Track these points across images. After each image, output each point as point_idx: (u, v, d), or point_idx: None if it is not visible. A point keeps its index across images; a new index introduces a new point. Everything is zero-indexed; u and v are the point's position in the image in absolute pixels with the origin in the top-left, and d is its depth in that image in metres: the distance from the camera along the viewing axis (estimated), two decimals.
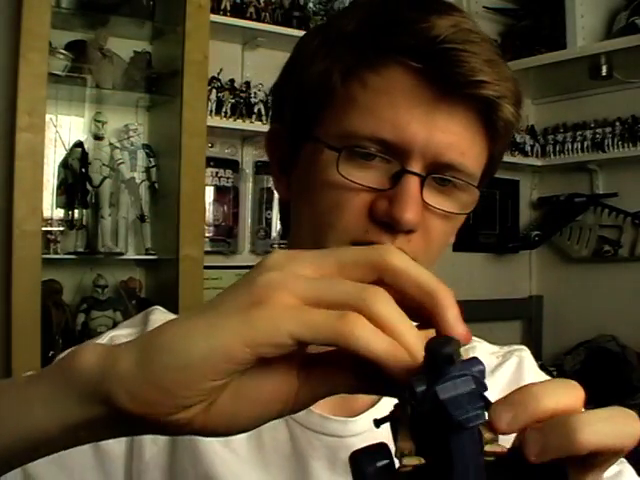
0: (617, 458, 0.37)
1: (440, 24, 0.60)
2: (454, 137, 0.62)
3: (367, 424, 0.65)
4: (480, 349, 0.77)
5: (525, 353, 0.79)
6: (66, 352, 0.42)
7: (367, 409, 0.68)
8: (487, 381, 0.34)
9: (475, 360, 0.34)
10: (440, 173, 0.63)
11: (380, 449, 0.35)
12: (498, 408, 0.34)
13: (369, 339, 0.34)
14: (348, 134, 0.62)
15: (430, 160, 0.62)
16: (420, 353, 0.34)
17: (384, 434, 0.36)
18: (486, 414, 0.33)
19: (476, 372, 0.34)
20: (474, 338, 0.75)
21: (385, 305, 0.35)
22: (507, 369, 0.76)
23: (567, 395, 0.36)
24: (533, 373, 0.76)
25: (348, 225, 0.62)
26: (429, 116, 0.61)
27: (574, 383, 0.37)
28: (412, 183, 0.61)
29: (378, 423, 0.36)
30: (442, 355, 0.32)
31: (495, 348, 0.79)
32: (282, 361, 0.36)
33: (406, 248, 0.61)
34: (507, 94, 0.62)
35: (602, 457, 0.36)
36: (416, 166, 0.61)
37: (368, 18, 0.64)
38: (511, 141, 3.02)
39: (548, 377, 0.78)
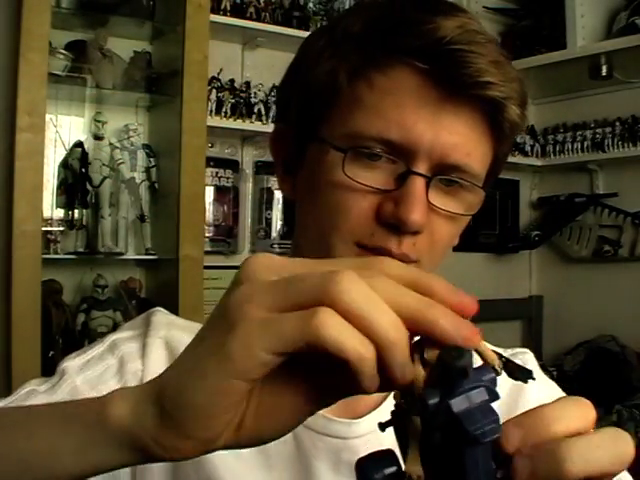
0: None
1: (446, 25, 0.60)
2: (460, 138, 0.62)
3: (371, 426, 0.65)
4: None
5: (528, 356, 0.79)
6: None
7: (371, 411, 0.68)
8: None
9: (485, 369, 0.34)
10: (446, 174, 0.63)
11: (387, 455, 0.34)
12: (508, 430, 0.34)
13: (337, 338, 0.33)
14: (354, 134, 0.61)
15: (436, 161, 0.61)
16: (395, 345, 0.33)
17: (388, 437, 0.36)
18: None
19: (488, 381, 0.33)
20: None
21: (354, 293, 0.33)
22: None
23: (578, 418, 0.36)
24: (537, 377, 0.76)
25: (353, 227, 0.62)
26: (435, 117, 0.61)
27: (585, 402, 0.37)
28: (418, 184, 0.61)
29: (383, 427, 0.36)
30: (456, 368, 0.31)
31: (498, 351, 0.79)
32: (294, 369, 0.36)
33: (412, 250, 0.61)
34: (513, 95, 0.62)
35: None
36: (422, 167, 0.61)
37: (374, 19, 0.64)
38: None
39: (551, 381, 0.78)
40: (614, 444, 0.36)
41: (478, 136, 0.63)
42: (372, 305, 0.33)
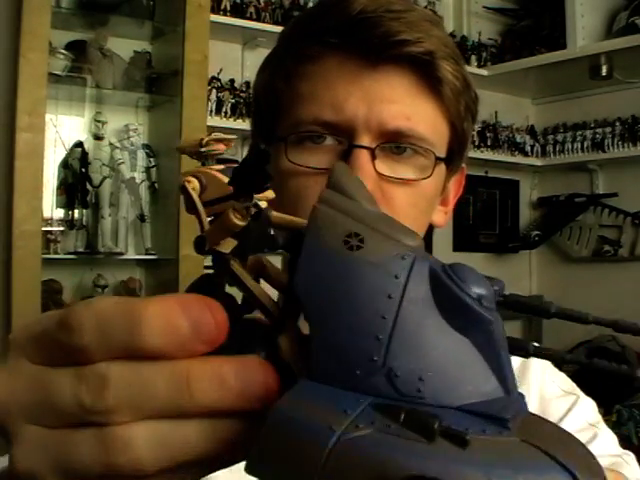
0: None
1: (359, 0, 0.62)
2: (395, 104, 0.62)
3: None
4: None
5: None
6: None
7: None
8: None
9: None
10: (392, 142, 0.63)
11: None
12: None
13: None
14: (294, 123, 0.63)
15: (376, 131, 0.62)
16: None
17: None
18: None
19: None
20: None
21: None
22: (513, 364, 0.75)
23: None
24: (539, 367, 0.75)
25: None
26: (365, 88, 0.62)
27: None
28: (361, 156, 0.61)
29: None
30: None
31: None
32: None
33: None
34: (435, 50, 0.62)
35: None
36: (365, 140, 0.62)
37: (301, 18, 0.68)
38: (511, 141, 3.02)
39: (557, 370, 0.77)
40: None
41: (414, 99, 0.63)
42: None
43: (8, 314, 1.79)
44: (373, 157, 0.62)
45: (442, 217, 0.73)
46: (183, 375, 0.25)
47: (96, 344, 0.25)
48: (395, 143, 0.63)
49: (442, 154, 0.66)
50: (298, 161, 0.62)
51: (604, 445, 0.68)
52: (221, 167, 0.31)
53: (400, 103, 0.62)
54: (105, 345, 0.25)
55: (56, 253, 2.06)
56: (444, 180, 0.69)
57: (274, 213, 0.30)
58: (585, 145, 2.91)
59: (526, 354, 0.29)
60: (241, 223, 0.28)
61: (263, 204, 0.29)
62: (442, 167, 0.67)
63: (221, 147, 0.29)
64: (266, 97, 0.68)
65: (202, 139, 0.29)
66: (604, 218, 2.93)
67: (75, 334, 0.25)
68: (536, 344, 0.30)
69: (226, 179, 0.29)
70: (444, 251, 2.86)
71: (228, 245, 0.30)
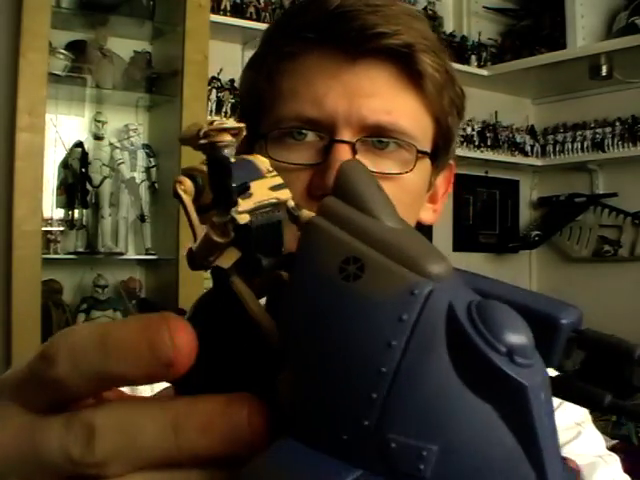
0: None
1: None
2: (375, 98, 0.62)
3: None
4: None
5: None
6: None
7: None
8: None
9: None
10: (373, 136, 0.62)
11: None
12: None
13: None
14: (276, 120, 0.63)
15: (357, 126, 0.62)
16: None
17: None
18: None
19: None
20: None
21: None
22: None
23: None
24: None
25: None
26: (345, 83, 0.62)
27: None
28: (342, 151, 0.61)
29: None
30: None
31: None
32: None
33: None
34: (414, 42, 0.62)
35: None
36: (345, 134, 0.61)
37: (282, 15, 0.69)
38: (511, 141, 3.02)
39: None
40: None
41: (395, 93, 0.63)
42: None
43: (8, 314, 1.79)
44: (354, 152, 0.61)
45: (431, 215, 0.73)
46: (168, 422, 0.23)
47: (71, 375, 0.23)
48: (376, 137, 0.62)
49: (427, 149, 0.66)
50: (279, 157, 0.62)
51: (587, 445, 0.68)
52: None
53: (380, 97, 0.62)
54: (79, 375, 0.23)
55: (56, 253, 2.06)
56: (430, 176, 0.68)
57: None
58: (585, 145, 2.91)
59: (600, 408, 0.23)
60: (222, 240, 0.24)
61: (244, 218, 0.24)
62: (426, 162, 0.66)
63: (226, 138, 0.25)
64: (249, 96, 0.68)
65: (200, 129, 0.25)
66: (604, 218, 2.93)
67: (51, 365, 0.23)
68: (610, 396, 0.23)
69: None
70: (444, 251, 2.85)
71: (229, 257, 0.25)
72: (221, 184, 0.23)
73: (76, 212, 2.10)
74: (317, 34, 0.62)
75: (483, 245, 3.11)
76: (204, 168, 0.25)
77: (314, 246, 0.21)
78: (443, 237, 2.93)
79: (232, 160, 0.25)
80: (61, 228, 2.09)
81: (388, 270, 0.20)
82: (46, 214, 2.01)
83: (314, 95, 0.62)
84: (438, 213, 0.74)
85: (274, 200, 0.25)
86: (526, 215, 3.24)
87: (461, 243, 3.03)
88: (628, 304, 2.74)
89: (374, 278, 0.20)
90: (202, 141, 0.25)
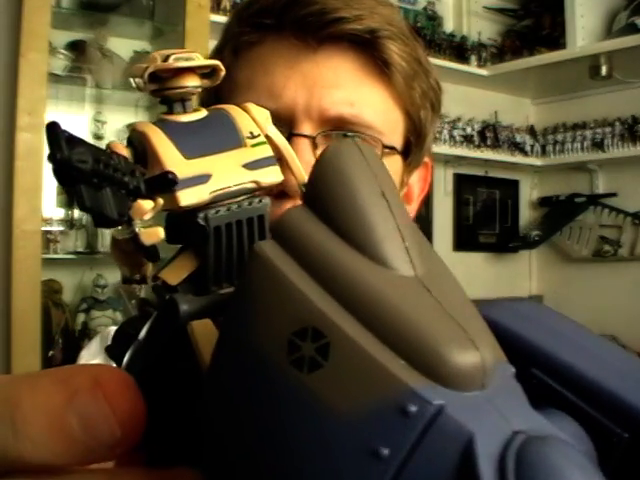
0: None
1: None
2: (337, 89, 0.58)
3: None
4: None
5: None
6: None
7: None
8: None
9: None
10: (335, 129, 0.58)
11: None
12: None
13: None
14: None
15: (317, 118, 0.58)
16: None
17: None
18: None
19: None
20: None
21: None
22: None
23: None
24: None
25: None
26: (304, 73, 0.58)
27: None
28: (301, 145, 0.57)
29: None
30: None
31: None
32: None
33: None
34: (378, 28, 0.58)
35: None
36: (305, 128, 0.57)
37: (240, 5, 0.65)
38: (511, 141, 3.02)
39: None
40: None
41: (360, 83, 0.59)
42: None
43: (8, 314, 1.79)
44: (314, 146, 0.57)
45: None
46: None
47: None
48: (339, 131, 0.58)
49: (395, 144, 0.61)
50: None
51: None
52: (186, 119, 0.17)
53: (343, 88, 0.58)
54: None
55: (56, 253, 2.06)
56: (402, 174, 0.64)
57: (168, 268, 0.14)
58: (585, 145, 2.91)
59: None
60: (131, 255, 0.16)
61: (151, 237, 0.15)
62: (396, 159, 0.62)
63: (187, 81, 0.17)
64: (207, 91, 0.67)
65: (146, 67, 0.16)
66: (604, 218, 2.93)
67: None
68: None
69: (169, 148, 0.16)
70: (444, 251, 2.86)
71: (180, 269, 0.16)
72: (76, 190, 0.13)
73: (76, 212, 2.10)
74: (274, 20, 0.58)
75: (483, 245, 3.11)
76: (155, 129, 0.17)
77: (254, 295, 0.13)
78: (443, 237, 2.93)
79: (186, 119, 0.16)
80: (61, 228, 2.09)
81: (369, 360, 0.11)
82: (46, 214, 2.01)
83: (272, 85, 0.58)
84: (414, 214, 0.69)
85: (250, 185, 0.17)
86: (526, 215, 3.24)
87: (461, 243, 3.03)
88: (628, 304, 2.74)
89: (343, 372, 0.11)
90: (150, 86, 0.16)
